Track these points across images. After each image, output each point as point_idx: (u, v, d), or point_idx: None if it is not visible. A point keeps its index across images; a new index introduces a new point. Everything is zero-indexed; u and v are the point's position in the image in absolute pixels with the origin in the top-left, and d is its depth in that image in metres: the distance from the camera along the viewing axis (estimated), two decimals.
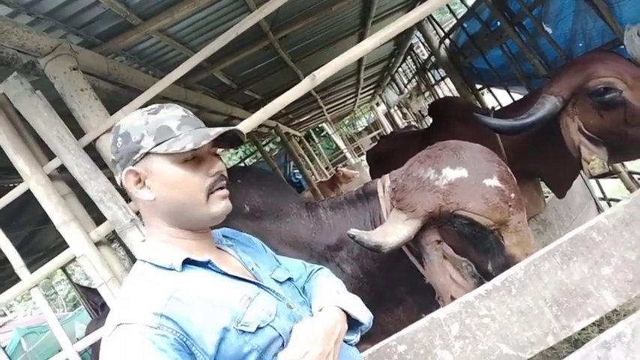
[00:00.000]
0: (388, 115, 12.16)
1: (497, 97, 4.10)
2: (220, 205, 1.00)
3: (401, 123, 10.90)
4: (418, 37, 5.54)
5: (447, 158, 1.52)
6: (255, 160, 11.69)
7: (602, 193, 3.77)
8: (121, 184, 0.99)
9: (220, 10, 2.54)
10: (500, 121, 2.17)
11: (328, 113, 11.29)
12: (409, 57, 6.68)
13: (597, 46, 2.68)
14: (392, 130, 11.41)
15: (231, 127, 1.01)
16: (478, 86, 4.51)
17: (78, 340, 1.81)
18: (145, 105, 1.76)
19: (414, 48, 6.34)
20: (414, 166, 1.57)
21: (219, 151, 1.09)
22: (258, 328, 0.93)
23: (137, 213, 1.57)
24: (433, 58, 5.18)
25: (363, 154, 14.74)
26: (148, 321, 0.83)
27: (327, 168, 13.12)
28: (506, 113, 2.79)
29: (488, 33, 3.54)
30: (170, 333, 0.84)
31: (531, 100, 2.25)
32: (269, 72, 4.11)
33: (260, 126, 7.03)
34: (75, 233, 1.68)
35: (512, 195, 1.50)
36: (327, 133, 16.39)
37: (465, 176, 1.47)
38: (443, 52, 4.55)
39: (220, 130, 0.97)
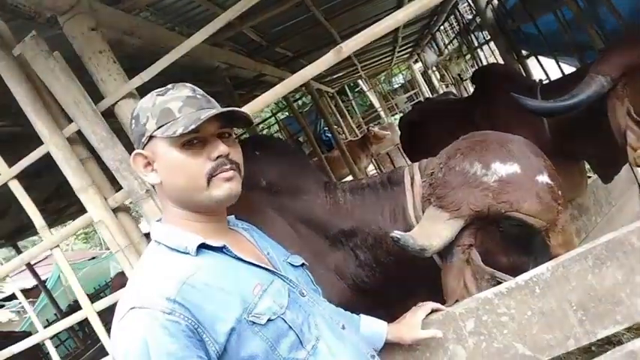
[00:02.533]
0: (425, 75, 11.66)
1: (544, 67, 3.80)
2: (223, 188, 0.95)
3: (437, 85, 10.44)
4: None
5: (495, 151, 1.39)
6: (286, 115, 11.57)
7: None
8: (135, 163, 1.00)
9: None
10: (538, 102, 2.00)
11: (363, 70, 10.93)
12: (452, 16, 6.25)
13: None
14: (429, 93, 10.99)
15: (231, 109, 0.96)
16: (524, 53, 4.18)
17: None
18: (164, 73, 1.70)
19: (458, 6, 5.91)
20: (457, 158, 1.43)
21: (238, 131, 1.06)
22: (269, 320, 0.92)
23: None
24: (478, 19, 4.82)
25: (397, 113, 14.36)
26: (161, 306, 0.83)
27: (359, 126, 12.88)
28: (553, 88, 2.59)
29: None
30: (182, 319, 0.83)
31: (582, 77, 2.06)
32: (302, 30, 3.94)
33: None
34: (93, 199, 1.68)
35: (560, 192, 1.40)
36: (361, 90, 15.96)
37: (518, 172, 1.35)
38: (489, 14, 4.21)
39: (213, 112, 0.91)
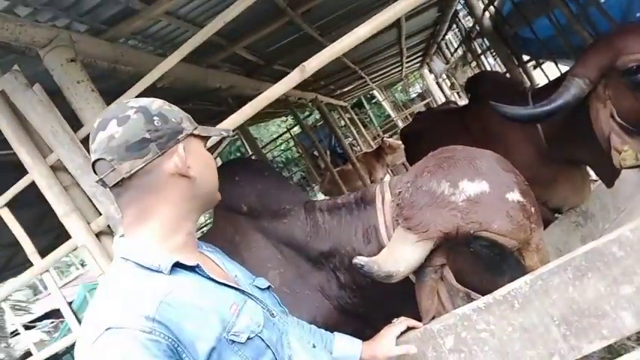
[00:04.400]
0: (438, 84, 11.62)
1: (546, 73, 3.73)
2: None
3: (449, 93, 10.37)
4: (461, 4, 5.13)
5: (463, 169, 1.33)
6: (300, 130, 11.67)
7: None
8: (142, 167, 0.94)
9: None
10: (515, 109, 1.95)
11: (374, 82, 10.93)
12: (454, 25, 6.22)
13: None
14: (443, 101, 10.91)
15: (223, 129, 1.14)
16: (526, 58, 4.12)
17: None
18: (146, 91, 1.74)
19: (459, 15, 5.88)
20: (424, 177, 1.38)
21: None
22: (248, 338, 0.92)
23: None
24: (478, 27, 4.79)
25: None
26: (141, 325, 0.81)
27: (375, 137, 12.85)
28: (545, 93, 2.54)
29: (534, 0, 3.18)
30: (162, 338, 0.82)
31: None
32: (297, 47, 3.97)
33: (299, 98, 6.93)
34: (76, 224, 1.72)
35: (533, 209, 1.33)
36: (378, 100, 15.99)
37: (486, 190, 1.29)
38: (487, 21, 4.17)
39: (223, 131, 1.13)
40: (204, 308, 0.90)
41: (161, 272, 0.91)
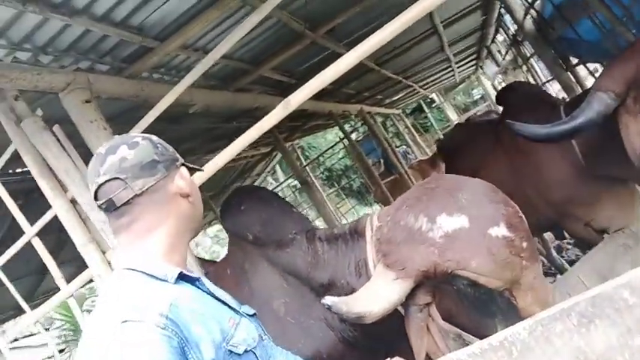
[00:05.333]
0: (494, 87, 11.09)
1: (594, 75, 3.42)
2: None
3: None
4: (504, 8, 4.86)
5: (442, 201, 1.27)
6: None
7: None
8: (151, 185, 1.01)
9: (243, 19, 2.48)
10: (533, 127, 1.79)
11: (426, 88, 10.64)
12: (501, 28, 5.91)
13: None
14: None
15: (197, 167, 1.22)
16: (574, 61, 3.81)
17: None
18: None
19: (503, 19, 5.58)
20: (402, 211, 1.32)
21: None
22: (245, 351, 0.97)
23: None
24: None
25: None
26: (157, 321, 0.84)
27: (436, 141, 12.47)
28: (576, 105, 2.34)
29: (575, 2, 2.93)
30: (174, 335, 0.86)
31: None
32: (326, 63, 3.97)
33: (343, 110, 6.92)
34: (92, 254, 1.84)
35: (525, 244, 1.22)
36: (438, 105, 15.58)
37: (465, 226, 1.21)
38: (529, 25, 3.92)
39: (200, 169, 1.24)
40: (208, 316, 0.94)
41: (167, 281, 0.96)
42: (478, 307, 1.26)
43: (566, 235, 4.01)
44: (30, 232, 2.01)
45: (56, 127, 1.82)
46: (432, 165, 7.79)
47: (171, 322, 0.85)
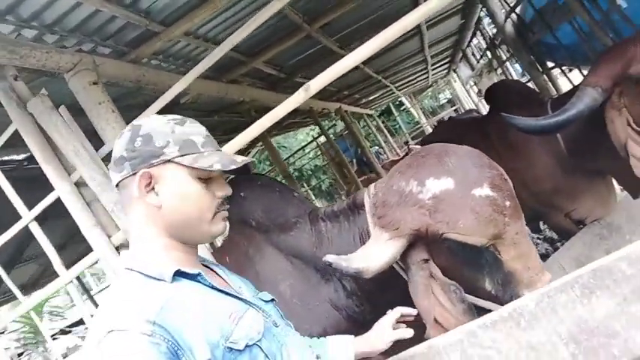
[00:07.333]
0: (466, 91, 11.45)
1: (571, 80, 3.63)
2: (220, 225, 1.03)
3: (477, 99, 10.20)
4: (484, 12, 5.06)
5: (430, 167, 1.36)
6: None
7: None
8: (119, 182, 0.99)
9: (248, 7, 2.51)
10: (528, 120, 1.92)
11: (400, 90, 10.87)
12: (479, 32, 6.13)
13: None
14: (472, 107, 10.75)
15: (249, 159, 1.06)
16: (550, 65, 4.02)
17: None
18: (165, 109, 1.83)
19: (482, 22, 5.80)
20: (395, 177, 1.43)
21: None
22: (247, 346, 0.94)
23: None
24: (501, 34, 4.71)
25: None
26: (142, 328, 0.83)
27: (405, 142, 12.77)
28: (564, 102, 2.49)
29: (556, 7, 3.11)
30: (163, 341, 0.84)
31: None
32: (316, 59, 4.03)
33: (323, 108, 6.99)
34: (98, 238, 1.82)
35: (507, 203, 1.31)
36: (407, 107, 15.93)
37: (450, 188, 1.30)
38: (509, 28, 4.10)
39: (246, 159, 1.04)
40: (204, 316, 0.92)
41: (163, 280, 0.93)
42: (468, 262, 1.34)
43: (541, 228, 4.24)
44: (28, 216, 1.96)
45: (62, 108, 1.78)
46: None
47: (159, 327, 0.84)
